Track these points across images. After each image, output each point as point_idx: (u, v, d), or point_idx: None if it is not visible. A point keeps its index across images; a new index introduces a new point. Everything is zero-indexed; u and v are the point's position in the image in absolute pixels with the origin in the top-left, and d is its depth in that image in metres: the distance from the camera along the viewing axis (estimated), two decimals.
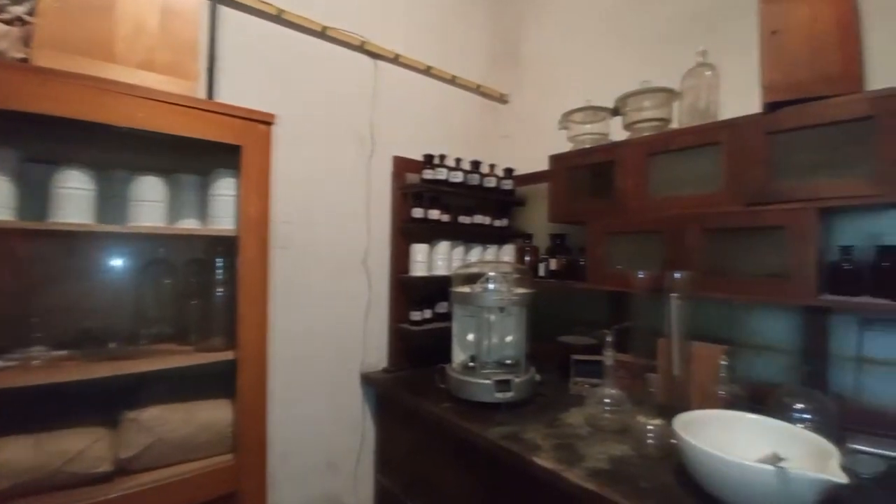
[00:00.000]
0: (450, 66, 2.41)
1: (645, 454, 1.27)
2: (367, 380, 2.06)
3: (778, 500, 0.91)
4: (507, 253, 2.32)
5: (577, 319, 2.15)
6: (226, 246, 1.41)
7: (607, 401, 1.46)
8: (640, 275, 1.55)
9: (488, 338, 1.75)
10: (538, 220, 2.34)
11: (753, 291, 1.38)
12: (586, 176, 1.88)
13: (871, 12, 1.43)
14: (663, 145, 1.62)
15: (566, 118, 2.00)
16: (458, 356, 1.81)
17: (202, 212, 1.42)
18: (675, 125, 1.73)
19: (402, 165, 2.17)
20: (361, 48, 2.07)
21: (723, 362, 1.38)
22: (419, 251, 2.07)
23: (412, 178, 2.16)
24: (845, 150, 1.27)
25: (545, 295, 2.30)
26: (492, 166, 2.34)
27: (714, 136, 1.49)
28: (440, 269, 2.08)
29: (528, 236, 2.34)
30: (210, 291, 1.43)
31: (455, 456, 1.60)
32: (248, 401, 1.38)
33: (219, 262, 1.44)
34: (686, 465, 1.07)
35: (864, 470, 1.16)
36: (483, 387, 1.61)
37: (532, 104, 2.57)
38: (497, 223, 2.36)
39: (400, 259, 2.12)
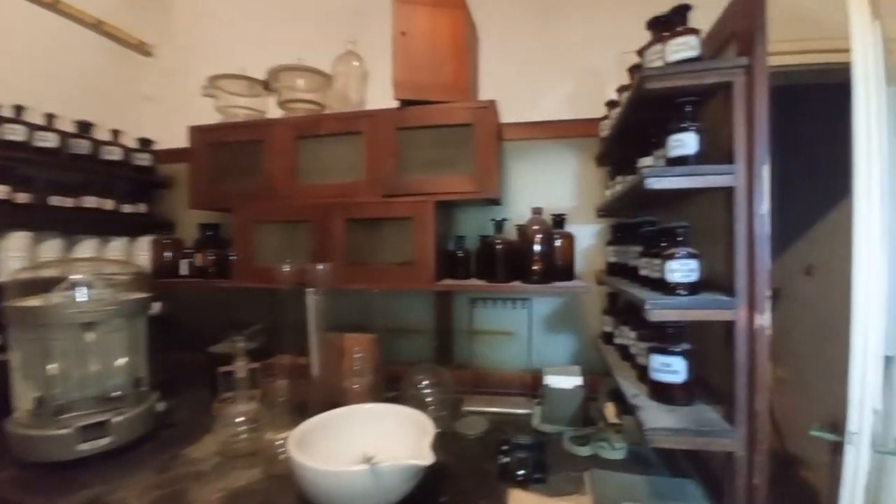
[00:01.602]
0: None
1: (276, 475, 1.11)
2: None
3: (378, 494, 0.88)
4: (143, 248, 1.80)
5: (240, 322, 1.86)
6: None
7: (241, 419, 1.23)
8: (286, 268, 1.39)
9: (79, 367, 1.24)
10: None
11: (388, 280, 1.43)
12: (234, 155, 1.60)
13: (485, 35, 1.71)
14: (312, 129, 1.51)
15: (214, 84, 1.66)
16: (26, 400, 1.23)
17: None
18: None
19: None
20: None
21: (357, 354, 1.36)
22: None
23: None
24: (455, 150, 1.44)
25: (192, 298, 1.92)
26: (115, 132, 1.76)
27: (356, 124, 1.47)
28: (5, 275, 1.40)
29: (170, 226, 1.88)
30: None
31: None
32: None
33: None
34: (299, 481, 0.95)
35: (472, 431, 1.34)
36: (59, 440, 1.12)
37: (186, 62, 2.08)
38: (128, 209, 1.80)
39: None
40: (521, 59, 1.72)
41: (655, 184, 0.82)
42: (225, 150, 1.60)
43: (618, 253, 1.37)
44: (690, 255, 0.87)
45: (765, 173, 0.76)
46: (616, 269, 1.41)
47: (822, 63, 1.46)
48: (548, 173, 1.66)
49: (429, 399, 1.41)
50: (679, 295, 0.87)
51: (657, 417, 0.85)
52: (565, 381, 1.37)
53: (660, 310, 0.82)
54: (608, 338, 1.47)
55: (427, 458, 0.89)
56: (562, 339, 1.65)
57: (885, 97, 0.76)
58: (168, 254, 1.76)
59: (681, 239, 0.90)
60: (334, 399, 1.33)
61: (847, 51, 1.41)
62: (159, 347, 1.96)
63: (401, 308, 1.76)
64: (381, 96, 1.53)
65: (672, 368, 0.92)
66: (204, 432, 1.34)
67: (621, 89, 1.37)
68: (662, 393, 0.93)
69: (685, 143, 0.86)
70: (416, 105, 1.44)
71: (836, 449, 0.94)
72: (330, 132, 1.50)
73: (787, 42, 1.46)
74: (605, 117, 1.49)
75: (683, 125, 0.86)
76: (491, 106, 1.39)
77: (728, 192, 0.82)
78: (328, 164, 1.51)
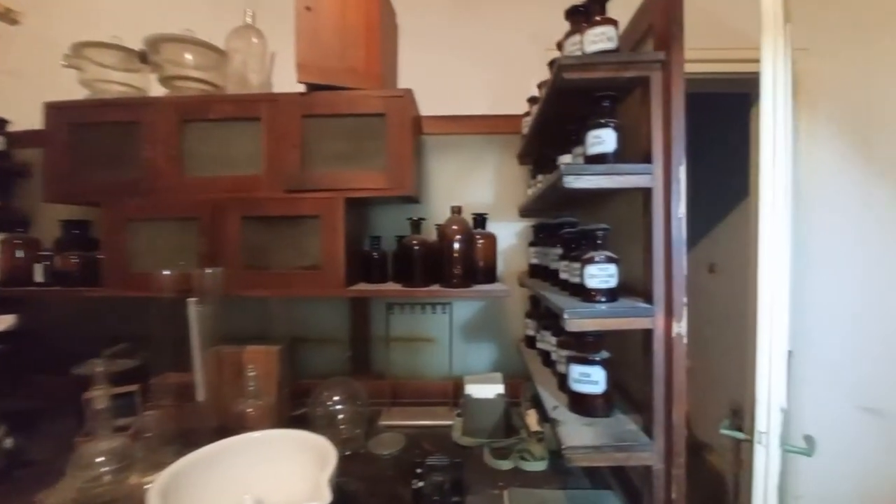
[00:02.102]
0: None
1: None
2: None
3: None
4: None
5: (117, 338, 1.58)
6: None
7: (102, 458, 1.02)
8: (166, 273, 1.18)
9: None
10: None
11: (293, 285, 1.27)
12: (103, 140, 1.34)
13: (406, 22, 1.58)
14: (201, 112, 1.30)
15: (79, 53, 1.38)
16: None
17: None
18: None
19: None
20: None
21: (251, 372, 1.19)
22: None
23: None
24: (367, 143, 1.31)
25: (60, 310, 1.61)
26: None
27: (255, 109, 1.29)
28: None
29: (25, 223, 1.56)
30: None
31: None
32: None
33: None
34: None
35: (387, 450, 1.22)
36: None
37: (55, 31, 1.73)
38: None
39: None
40: (444, 50, 1.62)
41: (574, 182, 0.76)
42: (91, 132, 1.33)
43: (539, 254, 1.33)
44: (609, 260, 0.83)
45: (682, 174, 0.73)
46: (537, 272, 1.37)
47: (723, 72, 1.52)
48: (469, 171, 1.59)
49: (341, 416, 1.27)
50: (598, 302, 0.82)
51: (576, 434, 0.79)
52: (486, 389, 1.30)
53: (578, 319, 0.76)
54: (531, 341, 1.43)
55: (324, 497, 0.76)
56: (484, 344, 1.59)
57: (791, 106, 0.76)
58: (20, 255, 1.45)
59: (600, 242, 0.85)
60: (227, 425, 1.16)
61: (741, 61, 1.50)
62: (13, 369, 1.63)
63: (312, 315, 1.59)
64: (290, 82, 1.35)
65: (592, 379, 0.87)
66: (61, 474, 1.09)
67: (542, 85, 1.33)
68: (582, 404, 0.88)
69: (604, 140, 0.81)
70: (324, 91, 1.29)
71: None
72: (223, 117, 1.30)
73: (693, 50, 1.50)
74: (527, 114, 1.45)
75: (602, 121, 0.81)
76: (407, 95, 1.28)
77: (646, 193, 0.78)
78: (221, 154, 1.31)
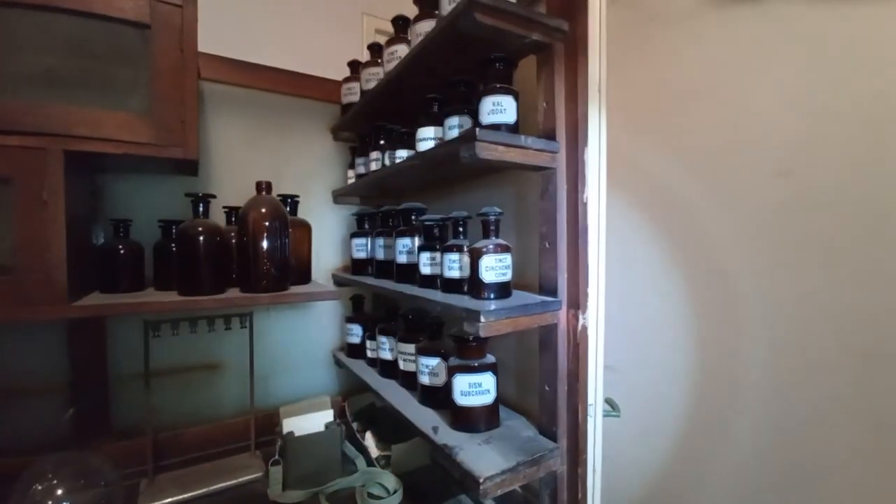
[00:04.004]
0: None
1: None
2: None
3: None
4: None
5: None
6: None
7: None
8: None
9: None
10: None
11: None
12: None
13: None
14: None
15: None
16: None
17: None
18: None
19: None
20: None
21: None
22: None
23: None
24: (114, 67, 0.81)
25: None
26: None
27: None
28: None
29: None
30: None
31: None
32: None
33: None
34: None
35: None
36: None
37: None
38: None
39: None
40: None
41: (483, 152, 0.61)
42: None
43: (375, 247, 1.11)
44: (502, 249, 0.72)
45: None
46: (363, 267, 1.16)
47: None
48: (266, 140, 1.22)
49: None
50: (491, 298, 0.70)
51: (482, 459, 0.65)
52: (312, 421, 1.01)
53: (492, 322, 0.62)
54: (355, 350, 1.21)
55: None
56: (290, 361, 1.26)
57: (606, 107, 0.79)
58: None
59: (493, 229, 0.73)
60: None
61: None
62: None
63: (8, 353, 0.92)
64: None
65: (482, 388, 0.74)
66: None
67: (376, 46, 1.12)
68: (470, 419, 0.75)
69: (505, 108, 0.69)
70: None
71: None
72: None
73: None
74: (350, 79, 1.21)
75: (500, 86, 0.70)
76: (188, 7, 0.86)
77: (546, 174, 0.71)
78: None
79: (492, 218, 0.73)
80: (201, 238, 0.91)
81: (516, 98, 0.70)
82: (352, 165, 1.24)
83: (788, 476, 0.72)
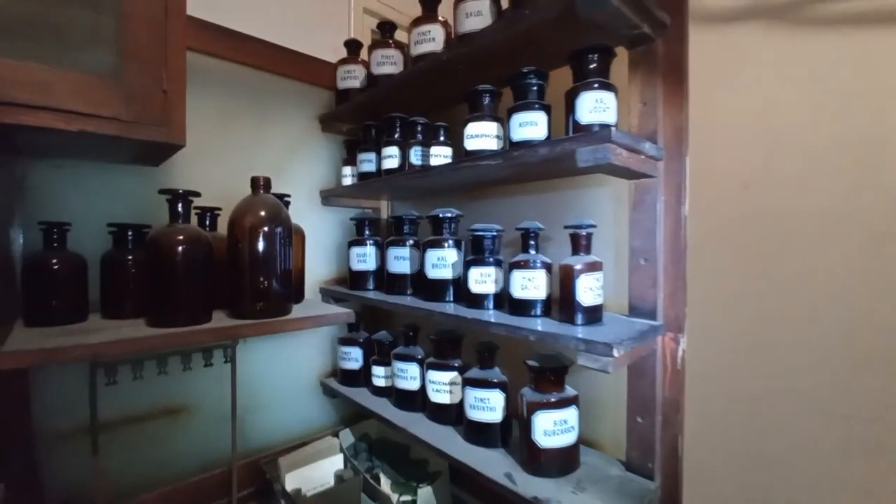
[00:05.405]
0: None
1: None
2: None
3: None
4: None
5: None
6: None
7: None
8: None
9: None
10: None
11: None
12: None
13: None
14: None
15: None
16: None
17: None
18: None
19: None
20: None
21: None
22: None
23: None
24: (71, 9, 0.58)
25: None
26: None
27: None
28: None
29: None
30: None
31: None
32: None
33: None
34: None
35: None
36: None
37: None
38: None
39: None
40: None
41: (612, 156, 0.52)
42: None
43: (389, 257, 0.95)
44: (597, 268, 0.63)
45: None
46: (363, 279, 0.99)
47: None
48: (243, 125, 1.00)
49: None
50: (585, 323, 0.61)
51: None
52: (320, 470, 0.83)
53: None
54: (350, 377, 1.03)
55: None
56: (276, 394, 1.03)
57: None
58: None
59: (585, 244, 0.64)
60: None
61: None
62: None
63: None
64: None
65: (568, 425, 0.65)
66: None
67: (388, 25, 0.97)
68: (555, 461, 0.65)
69: (608, 106, 0.60)
70: None
71: None
72: None
73: None
74: (348, 60, 1.03)
75: (596, 82, 0.61)
76: None
77: (642, 183, 0.64)
78: None
79: (583, 232, 0.64)
80: (181, 249, 0.69)
81: (617, 95, 0.62)
82: (347, 162, 1.06)
83: None
